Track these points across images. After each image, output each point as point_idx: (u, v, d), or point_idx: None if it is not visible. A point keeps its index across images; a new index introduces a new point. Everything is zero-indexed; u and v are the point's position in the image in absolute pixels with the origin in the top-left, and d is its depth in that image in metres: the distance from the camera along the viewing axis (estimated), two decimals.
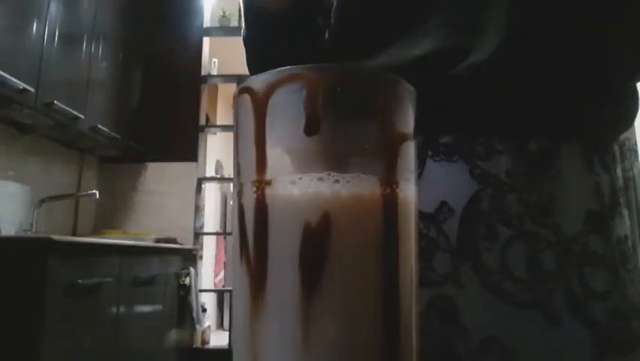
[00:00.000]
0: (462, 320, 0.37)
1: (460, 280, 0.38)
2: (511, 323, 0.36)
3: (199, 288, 3.05)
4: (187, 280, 2.85)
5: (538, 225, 0.37)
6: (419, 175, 0.40)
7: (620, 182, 0.42)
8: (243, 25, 0.54)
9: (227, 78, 3.56)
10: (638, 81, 0.42)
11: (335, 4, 0.50)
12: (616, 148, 0.43)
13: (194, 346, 3.05)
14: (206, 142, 3.47)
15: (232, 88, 3.32)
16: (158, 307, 2.56)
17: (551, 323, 0.36)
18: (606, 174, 0.40)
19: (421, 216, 0.39)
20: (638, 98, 0.43)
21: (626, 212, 0.42)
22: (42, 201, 2.56)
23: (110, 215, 3.22)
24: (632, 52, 0.40)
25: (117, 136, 2.87)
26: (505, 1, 0.39)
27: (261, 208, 0.22)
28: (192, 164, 3.31)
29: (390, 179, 0.22)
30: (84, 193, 2.95)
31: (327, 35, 0.52)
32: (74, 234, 2.94)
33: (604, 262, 0.38)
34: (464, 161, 0.39)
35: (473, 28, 0.40)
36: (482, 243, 0.38)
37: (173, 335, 2.71)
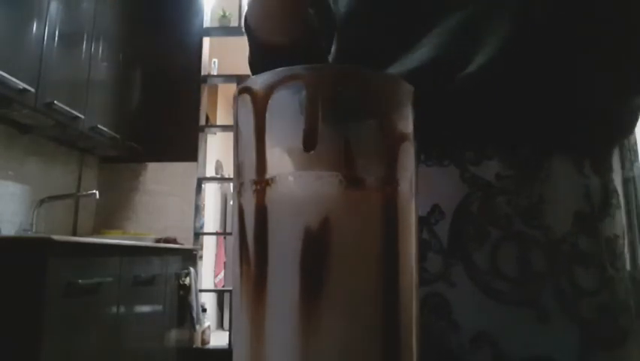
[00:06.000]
0: (454, 317, 0.38)
1: (451, 280, 0.39)
2: (502, 320, 0.38)
3: (199, 288, 3.05)
4: (187, 280, 2.85)
5: (528, 226, 0.38)
6: None
7: (615, 184, 0.43)
8: (248, 50, 0.54)
9: (227, 78, 3.56)
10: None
11: (338, 20, 0.51)
12: (614, 153, 0.44)
13: (194, 346, 3.05)
14: (206, 142, 3.47)
15: (232, 88, 3.32)
16: (158, 307, 2.56)
17: (540, 320, 0.37)
18: (597, 177, 0.41)
19: None
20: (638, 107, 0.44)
21: (619, 213, 0.42)
22: (42, 201, 2.56)
23: (110, 215, 3.22)
24: (633, 65, 0.40)
25: (117, 136, 2.87)
26: (503, 13, 0.40)
27: (261, 208, 0.22)
28: (192, 164, 3.31)
29: (390, 178, 0.22)
30: (84, 193, 2.95)
31: (329, 55, 0.53)
32: (74, 234, 2.94)
33: (592, 262, 0.39)
34: (455, 165, 0.40)
35: (472, 39, 0.41)
36: (472, 244, 0.39)
37: (173, 335, 2.71)
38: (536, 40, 0.39)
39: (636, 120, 0.44)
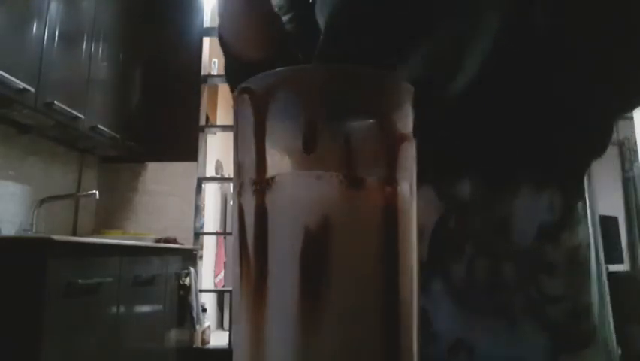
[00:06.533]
0: (434, 327, 0.41)
1: (430, 291, 0.42)
2: (477, 328, 0.40)
3: (199, 288, 3.05)
4: (187, 280, 2.85)
5: (498, 239, 0.42)
6: None
7: (582, 195, 0.46)
8: (224, 61, 0.55)
9: None
10: (627, 113, 0.45)
11: (322, 35, 0.51)
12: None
13: (194, 346, 3.05)
14: (206, 142, 3.47)
15: None
16: (158, 307, 2.56)
17: (512, 327, 0.40)
18: (561, 191, 0.44)
19: None
20: (612, 128, 0.47)
21: (584, 221, 0.46)
22: (42, 201, 2.56)
23: (110, 215, 3.22)
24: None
25: (117, 136, 2.87)
26: (489, 32, 0.42)
27: (261, 208, 0.22)
28: (192, 164, 3.31)
29: (390, 178, 0.22)
30: (84, 193, 2.95)
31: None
32: (74, 234, 2.94)
33: (557, 270, 0.42)
34: (432, 186, 0.43)
35: (456, 58, 0.43)
36: (450, 259, 0.42)
37: (173, 335, 2.71)
38: (518, 61, 0.42)
39: (607, 143, 0.46)
